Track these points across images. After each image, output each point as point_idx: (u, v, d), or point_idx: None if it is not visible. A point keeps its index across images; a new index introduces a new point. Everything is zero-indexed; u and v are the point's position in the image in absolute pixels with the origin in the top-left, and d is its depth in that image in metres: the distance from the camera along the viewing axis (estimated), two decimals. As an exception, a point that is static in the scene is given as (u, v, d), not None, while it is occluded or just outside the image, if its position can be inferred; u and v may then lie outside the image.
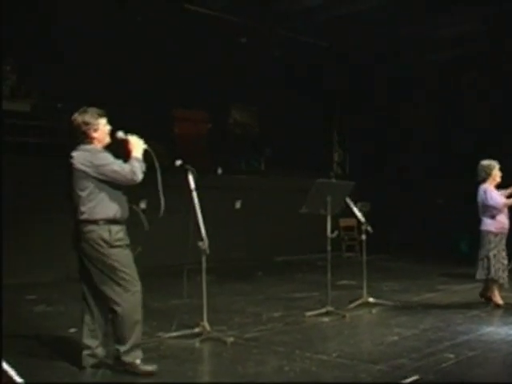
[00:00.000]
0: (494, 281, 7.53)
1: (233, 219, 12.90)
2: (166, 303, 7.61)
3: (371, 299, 7.87)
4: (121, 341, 4.87)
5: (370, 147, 15.57)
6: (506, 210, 7.61)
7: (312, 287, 9.19)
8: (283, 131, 14.52)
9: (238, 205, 13.41)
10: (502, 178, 7.70)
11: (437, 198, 14.87)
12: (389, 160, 15.53)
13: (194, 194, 5.95)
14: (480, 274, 7.58)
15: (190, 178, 5.97)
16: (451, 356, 5.30)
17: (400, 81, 14.90)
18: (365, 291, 7.87)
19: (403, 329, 6.42)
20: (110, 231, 4.80)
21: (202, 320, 6.01)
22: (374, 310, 7.61)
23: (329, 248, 7.34)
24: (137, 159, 4.91)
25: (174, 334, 6.01)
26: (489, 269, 7.48)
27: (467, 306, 7.64)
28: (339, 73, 15.08)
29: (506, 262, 7.61)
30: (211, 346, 5.79)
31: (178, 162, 5.92)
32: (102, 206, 4.83)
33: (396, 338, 6.05)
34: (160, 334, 6.04)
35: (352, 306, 7.65)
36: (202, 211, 5.88)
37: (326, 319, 6.98)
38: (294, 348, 5.64)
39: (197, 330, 6.02)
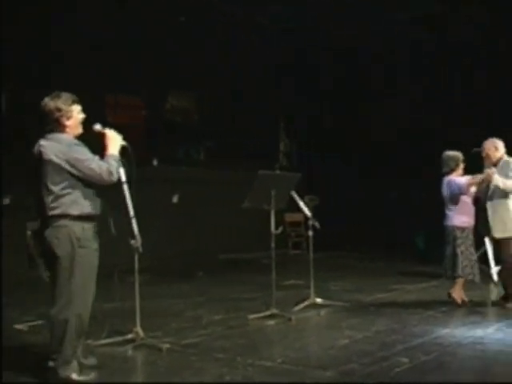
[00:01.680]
0: (460, 278, 7.63)
1: (170, 214, 12.81)
2: (95, 307, 7.42)
3: (319, 300, 7.88)
4: (57, 351, 4.77)
5: (319, 136, 15.65)
6: (471, 205, 7.71)
7: (256, 288, 9.17)
8: (226, 119, 14.47)
9: (175, 199, 13.30)
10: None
11: (391, 191, 15.06)
12: (339, 150, 15.63)
13: (125, 187, 5.81)
14: (448, 272, 7.67)
15: (121, 170, 5.82)
16: (405, 360, 5.32)
17: (349, 67, 15.00)
18: (312, 291, 7.87)
19: (354, 331, 6.43)
20: (83, 228, 4.76)
21: (135, 325, 5.91)
22: (322, 312, 7.62)
23: (273, 245, 7.33)
24: (114, 157, 4.90)
25: (105, 341, 5.88)
26: (456, 266, 7.57)
27: (423, 306, 7.73)
28: (285, 56, 15.06)
29: (474, 257, 7.72)
30: (145, 353, 5.70)
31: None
32: (78, 202, 4.77)
33: (346, 341, 6.05)
34: (89, 341, 5.87)
35: (299, 307, 7.64)
36: (134, 206, 5.75)
37: (270, 322, 6.96)
38: (235, 354, 5.59)
39: (129, 336, 5.92)
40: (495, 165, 7.61)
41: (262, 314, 7.15)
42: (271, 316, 7.11)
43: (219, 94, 14.44)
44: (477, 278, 7.70)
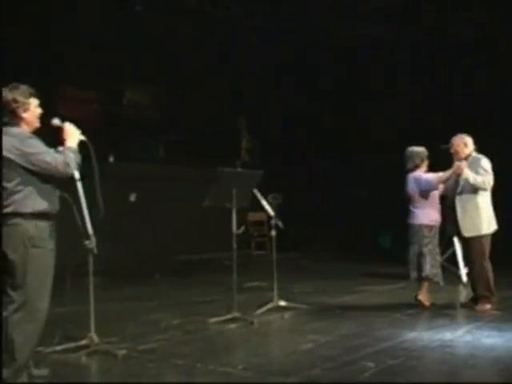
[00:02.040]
0: (428, 280, 7.66)
1: (127, 213, 12.69)
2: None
3: (283, 303, 7.86)
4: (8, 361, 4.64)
5: (282, 132, 15.66)
6: (437, 202, 7.76)
7: (217, 290, 9.13)
8: (186, 114, 14.40)
9: (132, 197, 13.20)
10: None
11: (357, 189, 15.14)
12: (303, 147, 15.67)
13: (79, 185, 5.70)
14: (415, 274, 7.66)
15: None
16: (371, 365, 5.32)
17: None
18: (276, 294, 7.85)
19: (318, 335, 6.42)
20: (36, 226, 4.67)
21: (89, 331, 5.81)
22: (286, 315, 7.60)
23: (234, 246, 7.31)
24: (71, 150, 4.87)
25: (57, 347, 5.77)
26: (423, 267, 7.58)
27: (389, 308, 7.75)
28: (251, 48, 15.07)
29: (439, 258, 7.79)
30: (100, 360, 5.61)
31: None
32: (30, 198, 4.68)
33: (310, 345, 6.03)
34: (40, 348, 5.74)
35: (261, 310, 7.61)
36: (89, 204, 5.64)
37: (231, 326, 6.91)
38: (195, 360, 5.53)
39: (83, 342, 5.82)
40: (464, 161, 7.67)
41: (222, 318, 7.10)
42: (232, 320, 7.07)
43: (178, 88, 14.34)
44: (441, 280, 7.75)
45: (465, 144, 7.72)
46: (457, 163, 7.53)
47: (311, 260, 13.54)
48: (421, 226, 7.64)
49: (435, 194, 7.74)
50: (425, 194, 7.66)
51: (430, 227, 7.66)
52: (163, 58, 13.64)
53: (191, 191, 12.61)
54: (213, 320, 7.06)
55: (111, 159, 12.82)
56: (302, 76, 15.22)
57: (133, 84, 14.12)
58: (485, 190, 7.52)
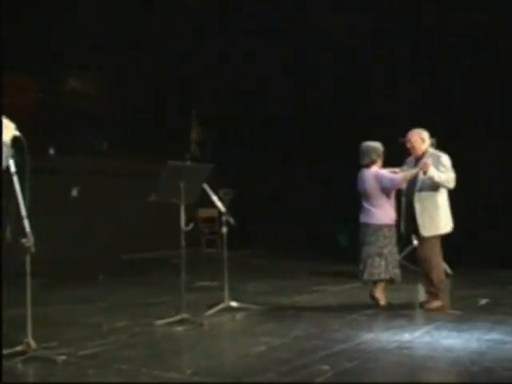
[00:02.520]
0: (387, 280, 7.70)
1: (68, 210, 12.55)
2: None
3: (234, 303, 7.86)
4: None
5: (234, 125, 15.64)
6: (394, 200, 7.80)
7: (164, 290, 9.08)
8: (132, 105, 14.27)
9: (74, 192, 13.05)
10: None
11: (314, 185, 15.20)
12: (257, 140, 15.67)
13: (15, 179, 5.60)
14: (371, 275, 7.65)
15: (11, 161, 5.63)
16: (326, 368, 5.32)
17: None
18: (227, 294, 7.84)
19: (271, 337, 6.41)
20: None
21: (26, 335, 5.71)
22: (237, 316, 7.60)
23: (183, 243, 7.29)
24: (4, 144, 4.90)
25: (-10, 354, 5.63)
26: (381, 267, 7.58)
27: (345, 309, 7.79)
28: (196, 35, 15.02)
29: (397, 256, 7.85)
30: (37, 367, 5.52)
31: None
32: None
33: (263, 348, 6.02)
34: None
35: (211, 311, 7.60)
36: (27, 200, 5.54)
37: (180, 328, 6.88)
38: (140, 365, 5.48)
39: (19, 347, 5.70)
40: (421, 157, 7.72)
41: (170, 320, 7.06)
42: (181, 321, 7.03)
43: (126, 77, 14.20)
44: (399, 279, 7.82)
45: (422, 139, 7.77)
46: (423, 161, 7.52)
47: (265, 258, 13.55)
48: (381, 226, 7.64)
49: (393, 192, 7.77)
50: (386, 192, 7.66)
51: (390, 226, 7.69)
52: (110, 45, 13.48)
53: (137, 186, 12.51)
54: (160, 322, 7.00)
55: (51, 151, 12.63)
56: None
57: (76, 71, 13.92)
58: (448, 188, 7.60)
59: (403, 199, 7.85)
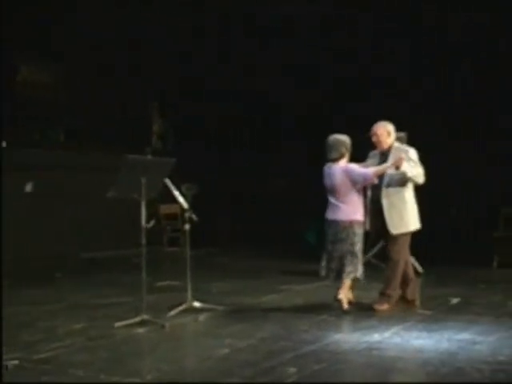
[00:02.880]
0: (355, 280, 7.69)
1: (22, 206, 12.41)
2: None
3: (197, 304, 7.84)
4: None
5: (198, 115, 15.58)
6: (362, 196, 7.77)
7: (124, 291, 9.05)
8: (91, 95, 14.15)
9: (29, 187, 12.90)
10: None
11: (279, 179, 15.23)
12: (222, 131, 15.64)
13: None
14: (346, 273, 7.57)
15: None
16: (294, 370, 5.35)
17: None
18: (190, 294, 7.82)
19: (236, 339, 6.42)
20: None
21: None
22: (200, 317, 7.58)
23: (144, 241, 7.26)
24: None
25: None
26: (354, 266, 7.54)
27: (313, 309, 7.82)
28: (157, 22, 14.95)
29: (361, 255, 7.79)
30: (-13, 372, 5.44)
31: None
32: None
33: (227, 350, 6.03)
34: None
35: (173, 312, 7.57)
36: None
37: (140, 330, 6.85)
38: (98, 370, 5.45)
39: (-33, 353, 5.64)
40: (386, 151, 7.74)
41: (130, 321, 7.03)
42: (141, 323, 7.00)
43: (84, 66, 14.07)
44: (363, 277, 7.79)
45: (388, 133, 7.78)
46: (398, 155, 7.49)
47: (230, 257, 13.54)
48: (352, 223, 7.56)
49: (362, 188, 7.72)
50: (355, 187, 7.57)
51: (360, 223, 7.63)
52: (67, 32, 13.35)
53: (96, 181, 12.41)
54: (119, 324, 6.97)
55: (3, 144, 12.47)
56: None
57: (30, 59, 13.76)
58: (417, 183, 7.64)
59: (368, 194, 7.82)
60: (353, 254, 7.58)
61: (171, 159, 7.68)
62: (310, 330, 6.82)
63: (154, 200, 7.50)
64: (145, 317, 7.07)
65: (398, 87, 13.59)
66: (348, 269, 7.58)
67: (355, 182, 7.58)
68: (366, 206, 7.75)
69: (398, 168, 7.43)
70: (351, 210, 7.60)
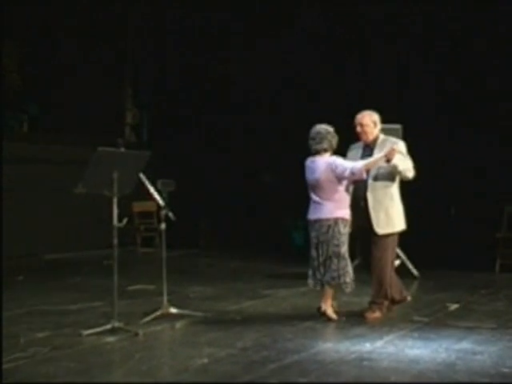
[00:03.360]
0: (345, 285, 7.62)
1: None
2: None
3: (174, 310, 7.85)
4: None
5: (175, 104, 15.55)
6: (348, 192, 7.73)
7: (94, 295, 9.04)
8: (58, 81, 14.07)
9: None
10: None
11: (263, 175, 15.21)
12: (202, 123, 15.60)
13: None
14: (331, 278, 7.53)
15: None
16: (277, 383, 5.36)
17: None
18: (165, 299, 7.82)
19: (216, 348, 6.43)
20: None
21: None
22: (177, 325, 7.59)
23: (115, 241, 7.21)
24: None
25: None
26: (341, 270, 7.49)
27: (300, 315, 7.84)
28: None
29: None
30: None
31: None
32: None
33: (206, 360, 6.03)
34: None
35: (147, 319, 7.57)
36: None
37: (111, 339, 6.83)
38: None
39: None
40: (372, 143, 7.67)
41: (100, 329, 7.02)
42: (112, 331, 7.00)
43: (48, 49, 14.00)
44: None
45: (374, 123, 7.72)
46: (390, 147, 7.42)
47: (210, 258, 13.54)
48: (336, 221, 7.49)
49: (349, 183, 7.64)
50: (342, 183, 7.51)
51: (346, 222, 7.55)
52: (30, 12, 13.28)
53: (63, 176, 12.37)
54: (88, 332, 6.95)
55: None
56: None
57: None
58: (407, 178, 7.60)
59: (350, 190, 7.70)
60: (339, 256, 7.51)
61: (146, 152, 7.68)
62: (295, 338, 6.84)
63: (126, 196, 7.46)
64: (116, 324, 7.06)
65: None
66: (332, 274, 7.53)
67: (341, 178, 7.47)
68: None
69: (389, 161, 7.36)
70: (334, 206, 7.51)
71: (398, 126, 10.42)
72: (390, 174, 7.54)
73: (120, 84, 15.89)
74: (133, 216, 13.80)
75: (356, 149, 7.85)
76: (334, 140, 7.65)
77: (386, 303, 7.77)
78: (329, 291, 7.59)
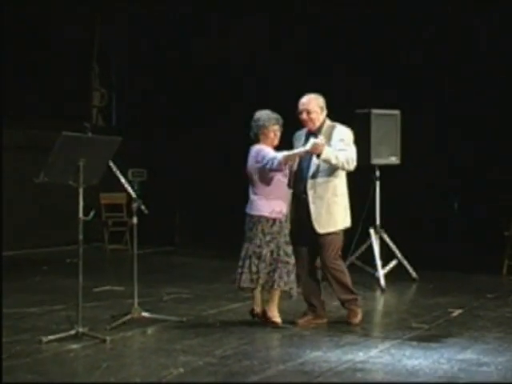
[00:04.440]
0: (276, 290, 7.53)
1: None
2: None
3: (146, 313, 7.85)
4: None
5: (149, 85, 15.50)
6: (286, 187, 7.57)
7: (55, 297, 9.04)
8: (18, 57, 14.02)
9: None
10: None
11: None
12: (179, 104, 15.57)
13: None
14: (245, 281, 7.54)
15: None
16: (261, 396, 5.37)
17: None
18: (136, 302, 7.82)
19: (193, 357, 6.43)
20: None
21: None
22: (149, 330, 7.59)
23: (80, 237, 7.21)
24: None
25: None
26: (259, 273, 7.48)
27: (285, 321, 7.78)
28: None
29: (292, 261, 7.54)
30: None
31: None
32: None
33: (182, 370, 6.03)
34: None
35: (116, 324, 7.56)
36: None
37: (74, 346, 6.81)
38: (20, 396, 5.43)
39: None
40: (317, 131, 7.56)
41: (62, 335, 7.01)
42: (76, 337, 6.98)
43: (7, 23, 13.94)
44: (295, 291, 7.60)
45: (321, 108, 7.63)
46: (314, 140, 7.29)
47: (187, 256, 13.54)
48: (259, 218, 7.49)
49: (283, 176, 7.53)
50: (266, 175, 7.45)
51: (273, 220, 7.48)
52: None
53: (22, 163, 12.34)
54: (48, 338, 6.92)
55: None
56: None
57: None
58: (347, 170, 7.52)
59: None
60: (260, 257, 7.50)
61: (116, 138, 7.65)
62: (280, 345, 6.89)
63: (93, 187, 7.43)
64: (80, 329, 7.04)
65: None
66: (253, 276, 7.52)
67: (263, 169, 7.45)
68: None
69: (318, 156, 7.26)
70: (261, 202, 7.52)
71: (396, 112, 10.46)
72: (330, 169, 7.48)
73: (86, 61, 15.82)
74: (100, 209, 13.77)
75: (299, 138, 7.80)
76: (256, 129, 7.59)
77: (358, 298, 7.85)
78: (274, 293, 7.58)
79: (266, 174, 7.48)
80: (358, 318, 7.69)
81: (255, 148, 7.61)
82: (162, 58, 15.58)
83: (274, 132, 7.59)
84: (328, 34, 14.19)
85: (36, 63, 14.27)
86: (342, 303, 7.81)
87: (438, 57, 13.45)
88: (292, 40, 14.52)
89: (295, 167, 7.61)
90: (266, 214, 7.50)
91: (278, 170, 7.38)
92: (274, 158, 7.33)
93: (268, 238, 7.50)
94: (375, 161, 10.34)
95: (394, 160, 10.51)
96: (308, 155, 7.43)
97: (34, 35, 14.27)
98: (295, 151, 7.45)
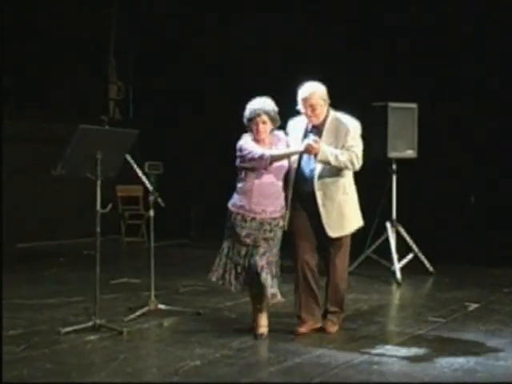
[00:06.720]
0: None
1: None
2: None
3: (162, 306, 7.87)
4: None
5: (162, 79, 15.51)
6: (268, 183, 6.99)
7: (73, 289, 9.07)
8: (32, 51, 14.03)
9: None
10: None
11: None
12: (194, 99, 15.58)
13: None
14: (213, 275, 7.33)
15: None
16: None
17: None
18: (153, 294, 7.84)
19: (209, 349, 6.44)
20: None
21: None
22: (166, 322, 7.59)
23: (98, 229, 7.21)
24: None
25: None
26: (219, 271, 7.34)
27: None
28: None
29: (240, 260, 7.27)
30: None
31: None
32: None
33: (198, 362, 6.04)
34: None
35: (133, 316, 7.58)
36: None
37: (92, 337, 6.84)
38: (38, 386, 5.45)
39: None
40: (321, 125, 7.04)
41: (80, 326, 7.03)
42: (94, 329, 7.01)
43: (18, 15, 13.95)
44: (278, 294, 7.15)
45: (324, 101, 7.00)
46: (308, 141, 6.81)
47: (203, 249, 13.53)
48: (228, 212, 7.26)
49: (268, 172, 6.95)
50: (245, 170, 7.02)
51: (235, 215, 7.18)
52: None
53: (40, 156, 12.37)
54: (66, 330, 6.95)
55: None
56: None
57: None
58: (352, 169, 7.03)
59: (291, 186, 7.14)
60: (221, 253, 7.42)
61: (133, 131, 7.66)
62: (297, 339, 6.85)
63: (109, 180, 7.46)
64: (98, 321, 7.07)
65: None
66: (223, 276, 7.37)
67: (244, 160, 6.97)
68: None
69: (315, 156, 6.80)
70: (234, 196, 7.24)
71: (413, 105, 10.43)
72: (335, 169, 6.94)
73: (103, 55, 15.84)
74: (116, 201, 13.80)
75: (297, 129, 7.18)
76: (245, 119, 7.08)
77: (343, 314, 7.37)
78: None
79: (243, 168, 7.03)
80: (336, 328, 7.18)
81: (242, 139, 7.06)
82: (176, 47, 15.57)
83: (257, 125, 6.92)
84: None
85: (54, 57, 14.30)
86: (327, 313, 7.23)
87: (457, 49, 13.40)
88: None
89: (295, 165, 7.07)
90: (230, 207, 7.26)
91: (264, 167, 6.86)
92: (254, 153, 6.84)
93: (227, 233, 7.30)
94: (392, 154, 10.33)
95: (410, 153, 10.51)
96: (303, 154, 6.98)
97: (50, 27, 14.29)
98: (286, 151, 6.95)
